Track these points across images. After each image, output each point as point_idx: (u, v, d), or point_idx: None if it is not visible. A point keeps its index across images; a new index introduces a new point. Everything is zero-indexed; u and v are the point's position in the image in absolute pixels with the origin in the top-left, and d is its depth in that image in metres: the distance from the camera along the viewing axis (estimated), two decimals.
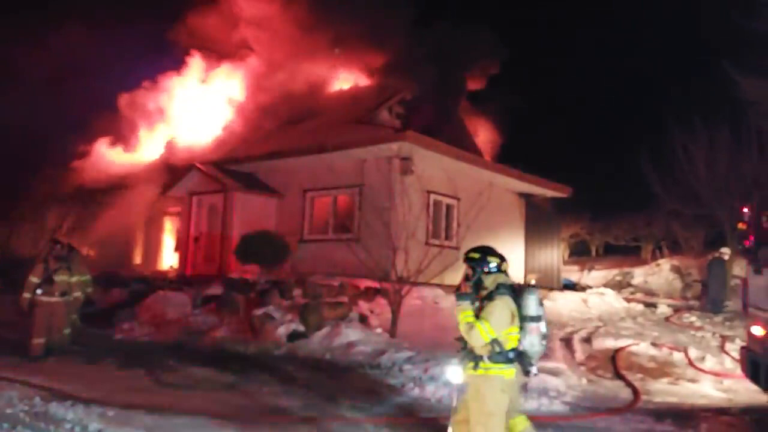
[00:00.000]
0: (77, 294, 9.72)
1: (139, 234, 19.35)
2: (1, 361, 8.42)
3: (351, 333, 10.49)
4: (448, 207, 15.06)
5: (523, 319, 4.27)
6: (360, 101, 18.16)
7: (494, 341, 4.18)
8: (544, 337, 4.32)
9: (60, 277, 9.20)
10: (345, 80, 20.70)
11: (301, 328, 10.75)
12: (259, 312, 11.28)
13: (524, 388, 7.62)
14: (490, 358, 4.21)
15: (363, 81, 20.30)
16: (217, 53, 20.95)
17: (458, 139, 16.96)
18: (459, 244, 14.92)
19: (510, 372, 4.24)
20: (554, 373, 8.39)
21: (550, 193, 17.95)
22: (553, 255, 18.88)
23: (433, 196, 14.50)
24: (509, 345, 4.22)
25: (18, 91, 21.29)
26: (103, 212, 17.93)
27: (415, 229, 13.04)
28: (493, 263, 4.41)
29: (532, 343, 4.25)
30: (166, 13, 23.12)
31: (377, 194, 13.58)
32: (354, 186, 14.23)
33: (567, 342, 11.00)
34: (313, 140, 15.29)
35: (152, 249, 19.04)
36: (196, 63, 20.94)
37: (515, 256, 17.56)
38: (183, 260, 16.21)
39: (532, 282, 17.57)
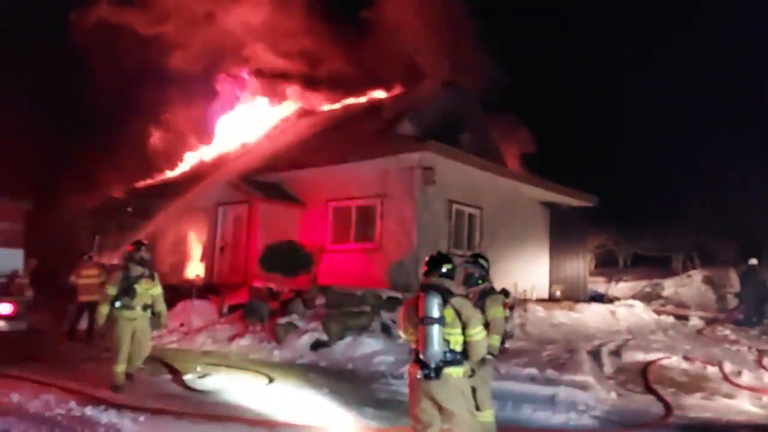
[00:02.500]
0: (161, 308, 7.98)
1: (167, 243, 19.60)
2: (39, 366, 8.63)
3: (373, 343, 10.45)
4: (471, 216, 14.95)
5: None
6: (381, 111, 18.19)
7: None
8: None
9: (142, 287, 7.68)
10: (367, 90, 20.83)
11: (324, 337, 10.74)
12: (282, 321, 11.33)
13: (552, 401, 7.50)
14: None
15: (383, 91, 20.40)
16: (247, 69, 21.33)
17: (481, 147, 16.86)
18: (482, 254, 14.80)
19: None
20: (582, 386, 8.20)
21: (575, 202, 17.71)
22: (579, 266, 18.58)
23: (455, 206, 14.41)
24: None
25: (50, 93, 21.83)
26: (133, 222, 18.20)
27: (438, 238, 13.01)
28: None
29: None
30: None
31: (399, 204, 13.55)
32: (376, 196, 14.21)
33: (595, 355, 10.75)
34: (335, 151, 15.34)
35: (179, 258, 19.25)
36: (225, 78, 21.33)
37: (539, 266, 17.35)
38: (209, 269, 16.35)
39: (557, 293, 17.31)
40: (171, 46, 21.26)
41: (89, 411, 6.14)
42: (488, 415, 5.31)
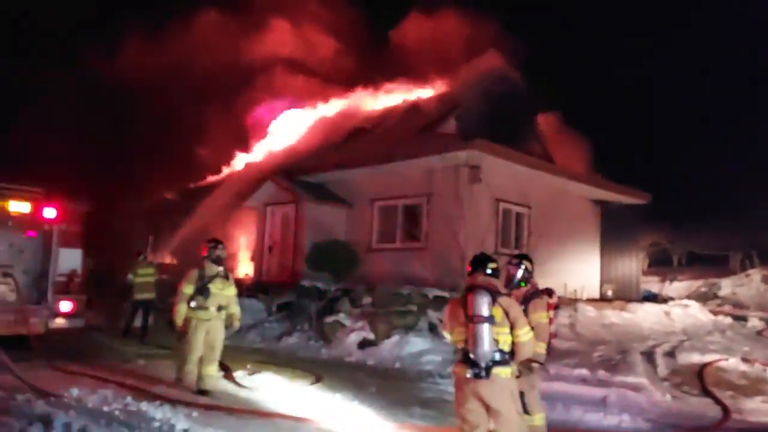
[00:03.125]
0: (234, 310, 7.62)
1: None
2: (97, 362, 8.96)
3: (420, 342, 10.43)
4: (519, 215, 14.74)
5: None
6: (427, 110, 18.12)
7: None
8: None
9: (217, 287, 7.34)
10: (411, 89, 20.79)
11: (371, 336, 10.78)
12: (330, 319, 11.43)
13: (604, 402, 7.32)
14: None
15: (429, 90, 20.31)
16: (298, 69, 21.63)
17: (529, 145, 16.60)
18: (530, 253, 14.52)
19: None
20: (635, 388, 7.98)
21: (627, 199, 17.24)
22: (632, 265, 18.09)
23: (502, 205, 14.23)
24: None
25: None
26: (185, 221, 18.72)
27: (485, 237, 12.87)
28: None
29: None
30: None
31: (445, 203, 13.48)
32: (422, 195, 14.18)
33: (648, 356, 10.43)
34: (380, 150, 15.38)
35: (229, 257, 19.69)
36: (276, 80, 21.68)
37: (590, 265, 16.96)
38: (258, 268, 16.66)
39: (609, 293, 16.88)
40: (217, 48, 21.77)
41: (144, 406, 6.32)
42: (539, 419, 5.25)
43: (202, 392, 7.23)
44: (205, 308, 7.27)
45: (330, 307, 12.25)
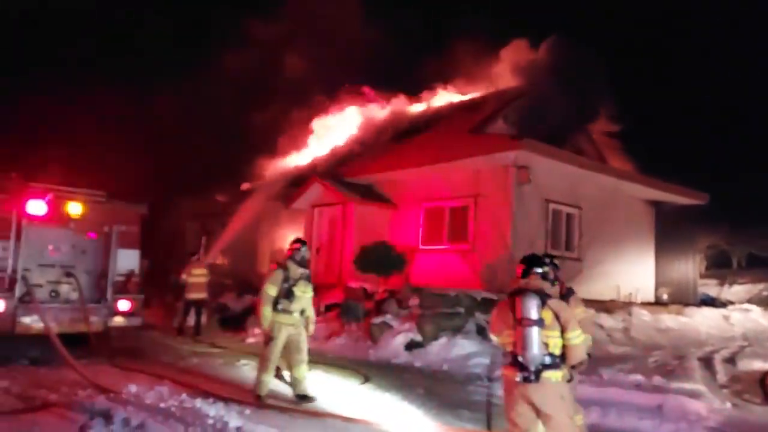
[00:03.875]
0: (310, 313, 7.34)
1: (266, 244, 20.44)
2: (153, 360, 9.30)
3: (468, 344, 10.35)
4: (569, 216, 14.44)
5: None
6: (474, 110, 17.97)
7: None
8: None
9: (300, 290, 7.06)
10: (458, 89, 20.65)
11: (418, 337, 10.77)
12: (377, 320, 11.47)
13: (660, 409, 7.09)
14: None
15: (476, 90, 20.13)
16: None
17: (580, 144, 16.26)
18: (581, 255, 14.28)
19: None
20: (693, 395, 7.68)
21: (683, 200, 16.66)
22: (688, 267, 17.48)
23: (552, 205, 13.97)
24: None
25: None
26: (234, 223, 19.12)
27: (534, 239, 12.68)
28: None
29: None
30: None
31: (493, 204, 13.34)
32: (469, 196, 14.07)
33: (707, 362, 10.05)
34: (427, 151, 15.33)
35: (277, 258, 20.01)
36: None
37: (644, 268, 16.48)
38: None
39: (664, 297, 16.35)
40: (266, 55, 22.12)
41: (199, 403, 6.49)
42: (578, 420, 5.16)
43: (302, 397, 7.04)
44: (290, 312, 6.98)
45: (377, 308, 12.29)
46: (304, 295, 7.09)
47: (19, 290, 8.80)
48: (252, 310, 14.22)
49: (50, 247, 9.43)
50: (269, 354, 6.98)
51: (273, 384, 7.35)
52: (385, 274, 13.76)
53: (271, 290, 6.93)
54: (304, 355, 7.18)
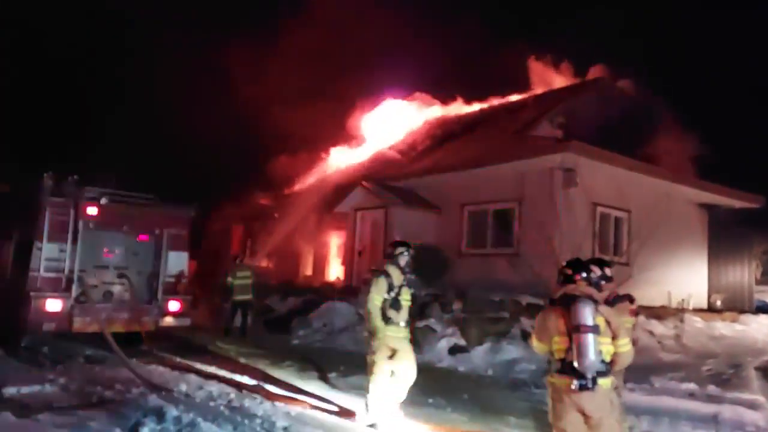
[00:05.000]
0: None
1: (309, 247, 20.66)
2: (202, 359, 9.44)
3: (513, 350, 10.22)
4: (617, 220, 14.10)
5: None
6: (518, 113, 17.77)
7: None
8: None
9: (404, 298, 6.19)
10: (503, 92, 20.49)
11: (462, 342, 10.69)
12: (420, 324, 11.41)
13: (715, 419, 6.85)
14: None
15: (520, 93, 19.92)
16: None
17: (630, 146, 15.85)
18: (630, 260, 13.90)
19: None
20: (751, 405, 7.40)
21: (738, 203, 16.06)
22: (743, 273, 16.78)
23: (599, 209, 13.67)
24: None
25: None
26: (279, 226, 19.41)
27: (581, 243, 12.41)
28: None
29: None
30: None
31: (538, 207, 13.13)
32: (514, 199, 13.89)
33: (764, 371, 9.63)
34: (470, 154, 15.22)
35: (320, 261, 20.19)
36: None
37: (697, 274, 15.95)
38: (348, 272, 16.95)
39: (718, 303, 15.76)
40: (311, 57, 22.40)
41: (247, 402, 6.62)
42: (626, 427, 5.08)
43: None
44: (396, 324, 6.11)
45: (420, 312, 12.24)
46: (408, 303, 6.25)
47: (75, 291, 9.13)
48: (296, 313, 14.38)
49: (105, 249, 9.76)
50: (373, 372, 6.12)
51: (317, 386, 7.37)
52: (427, 278, 13.69)
53: (377, 300, 6.09)
54: (410, 379, 6.23)
